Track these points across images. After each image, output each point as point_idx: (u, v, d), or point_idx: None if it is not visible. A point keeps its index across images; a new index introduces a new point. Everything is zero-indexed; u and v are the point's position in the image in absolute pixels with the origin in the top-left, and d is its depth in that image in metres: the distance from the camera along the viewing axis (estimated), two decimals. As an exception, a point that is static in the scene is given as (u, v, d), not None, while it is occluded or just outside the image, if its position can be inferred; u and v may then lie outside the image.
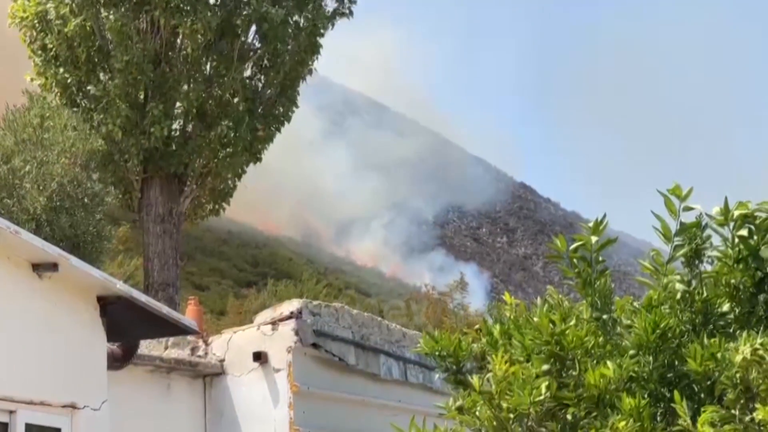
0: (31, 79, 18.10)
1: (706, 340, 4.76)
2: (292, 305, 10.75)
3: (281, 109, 18.96)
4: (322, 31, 18.90)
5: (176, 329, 9.38)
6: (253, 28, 18.54)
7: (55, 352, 8.05)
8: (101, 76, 17.90)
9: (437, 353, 5.57)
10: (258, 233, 64.48)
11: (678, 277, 5.17)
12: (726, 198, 5.08)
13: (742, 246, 5.06)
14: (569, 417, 4.94)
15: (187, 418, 10.69)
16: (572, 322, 5.07)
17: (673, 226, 5.17)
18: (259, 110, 18.65)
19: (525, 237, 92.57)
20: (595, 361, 4.97)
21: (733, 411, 4.53)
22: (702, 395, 4.78)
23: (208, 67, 18.25)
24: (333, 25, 19.11)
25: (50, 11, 17.75)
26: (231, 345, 10.85)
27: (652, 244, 5.78)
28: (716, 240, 5.19)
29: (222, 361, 10.83)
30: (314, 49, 18.94)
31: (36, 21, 17.90)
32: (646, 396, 4.82)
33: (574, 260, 5.35)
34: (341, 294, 46.84)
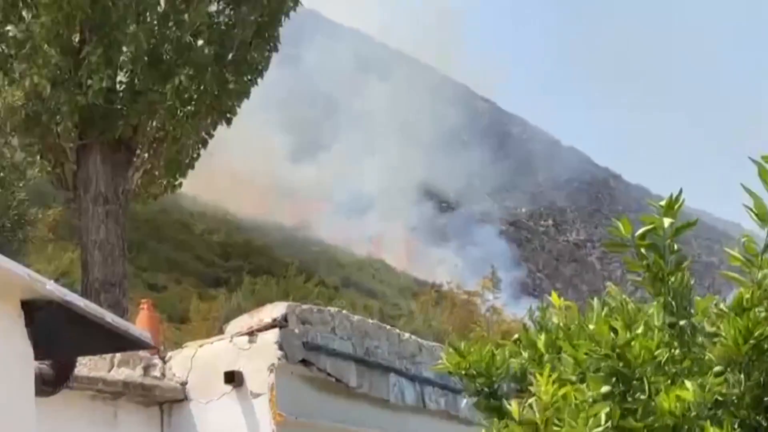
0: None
1: (814, 353, 4.77)
2: (276, 310, 10.78)
3: (255, 55, 18.96)
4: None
5: (124, 342, 9.39)
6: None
7: (-33, 373, 8.07)
8: (23, 13, 17.91)
9: (464, 371, 5.58)
10: (230, 216, 64.56)
11: (777, 271, 5.18)
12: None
13: None
14: (637, 453, 4.96)
15: (139, 457, 10.74)
16: (640, 330, 5.07)
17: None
18: (229, 56, 18.65)
19: (577, 219, 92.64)
20: (669, 381, 4.98)
21: None
22: (809, 424, 4.80)
23: (162, 0, 18.25)
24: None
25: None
26: (196, 362, 10.88)
27: (741, 226, 5.77)
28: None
29: (184, 383, 10.87)
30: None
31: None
32: (736, 425, 4.83)
33: (642, 249, 5.35)
34: (338, 295, 46.98)
